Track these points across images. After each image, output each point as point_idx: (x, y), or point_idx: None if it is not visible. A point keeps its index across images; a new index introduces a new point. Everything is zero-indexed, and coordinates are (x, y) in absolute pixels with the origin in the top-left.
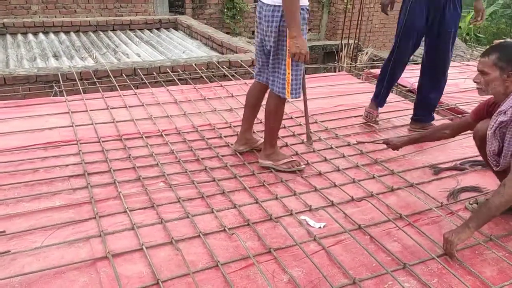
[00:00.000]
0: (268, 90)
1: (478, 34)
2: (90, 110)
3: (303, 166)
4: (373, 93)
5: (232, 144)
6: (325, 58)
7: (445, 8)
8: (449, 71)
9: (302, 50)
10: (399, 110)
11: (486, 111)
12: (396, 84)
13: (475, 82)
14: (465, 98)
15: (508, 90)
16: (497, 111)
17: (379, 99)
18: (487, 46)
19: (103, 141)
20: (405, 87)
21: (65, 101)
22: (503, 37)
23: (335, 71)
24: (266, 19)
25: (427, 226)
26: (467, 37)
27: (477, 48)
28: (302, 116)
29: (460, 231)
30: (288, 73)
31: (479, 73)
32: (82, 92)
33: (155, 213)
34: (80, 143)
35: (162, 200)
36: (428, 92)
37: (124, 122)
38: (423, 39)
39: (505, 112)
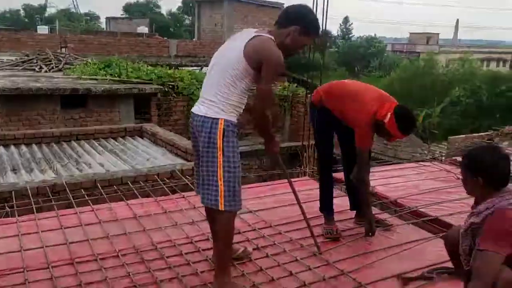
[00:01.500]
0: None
1: (433, 130)
2: (42, 231)
3: None
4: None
5: (193, 263)
6: (291, 160)
7: None
8: (406, 173)
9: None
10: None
11: None
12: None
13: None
14: (424, 200)
15: (485, 193)
16: (471, 211)
17: (324, 209)
18: (443, 142)
19: (53, 267)
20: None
21: (16, 222)
22: (455, 132)
23: (298, 176)
24: (198, 129)
25: None
26: (423, 134)
27: (433, 144)
28: (265, 227)
29: None
30: (221, 184)
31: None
32: (35, 211)
33: None
34: (27, 271)
35: None
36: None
37: (78, 243)
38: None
39: (478, 214)
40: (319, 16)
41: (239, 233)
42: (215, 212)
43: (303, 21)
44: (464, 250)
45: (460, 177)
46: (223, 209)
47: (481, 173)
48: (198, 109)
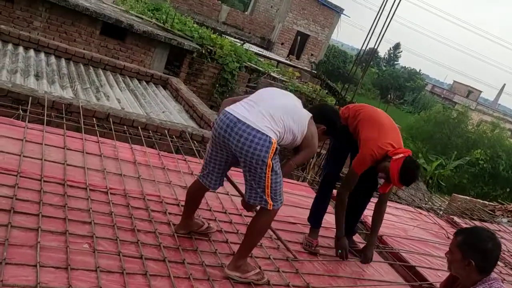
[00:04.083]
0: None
1: (441, 182)
2: (45, 145)
3: (266, 279)
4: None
5: (173, 224)
6: None
7: None
8: (401, 215)
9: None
10: None
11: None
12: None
13: (446, 256)
14: (409, 246)
15: (471, 277)
16: None
17: (312, 221)
18: (446, 196)
19: (45, 181)
20: None
21: (24, 127)
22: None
23: (297, 180)
24: (236, 136)
25: None
26: (430, 181)
27: (435, 195)
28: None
29: None
30: (268, 192)
31: (449, 250)
32: (45, 123)
33: (65, 276)
34: (20, 176)
35: (78, 264)
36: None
37: (74, 167)
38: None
39: None
40: (377, 29)
41: (225, 213)
42: (265, 212)
43: (329, 125)
44: None
45: (449, 246)
46: (271, 209)
47: (476, 257)
48: (242, 114)
